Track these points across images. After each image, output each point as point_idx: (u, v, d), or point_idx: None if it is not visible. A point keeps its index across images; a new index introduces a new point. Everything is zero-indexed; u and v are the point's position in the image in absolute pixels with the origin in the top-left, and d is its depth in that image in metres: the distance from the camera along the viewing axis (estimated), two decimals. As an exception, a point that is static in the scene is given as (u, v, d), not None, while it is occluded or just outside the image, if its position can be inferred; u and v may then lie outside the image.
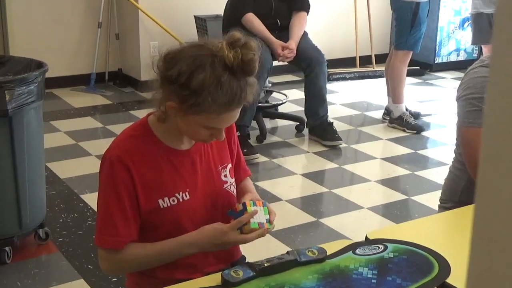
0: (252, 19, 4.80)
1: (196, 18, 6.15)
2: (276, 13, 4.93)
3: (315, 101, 4.96)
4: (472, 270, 0.51)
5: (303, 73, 4.98)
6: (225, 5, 5.12)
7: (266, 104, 5.33)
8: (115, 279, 3.06)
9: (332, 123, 5.04)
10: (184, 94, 1.68)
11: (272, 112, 5.46)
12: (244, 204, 1.81)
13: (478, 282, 0.51)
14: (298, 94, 6.36)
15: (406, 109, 5.45)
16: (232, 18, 4.85)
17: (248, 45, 1.71)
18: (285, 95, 5.72)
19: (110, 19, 6.38)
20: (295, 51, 4.82)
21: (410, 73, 6.16)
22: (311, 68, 4.87)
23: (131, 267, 1.87)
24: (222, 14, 5.22)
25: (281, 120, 5.54)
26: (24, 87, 2.96)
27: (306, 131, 5.17)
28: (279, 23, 4.92)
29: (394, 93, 5.40)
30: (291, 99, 6.18)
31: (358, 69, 7.05)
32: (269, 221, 1.82)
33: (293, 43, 4.84)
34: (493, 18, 0.53)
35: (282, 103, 5.56)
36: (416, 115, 5.54)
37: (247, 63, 1.69)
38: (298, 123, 5.26)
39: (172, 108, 1.72)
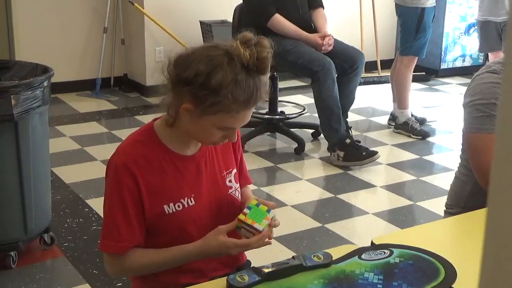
0: (280, 20, 4.61)
1: (201, 23, 6.16)
2: (303, 12, 4.81)
3: (349, 99, 4.85)
4: (484, 275, 0.51)
5: (344, 73, 4.75)
6: (235, 14, 5.03)
7: (285, 116, 5.29)
8: (120, 283, 3.06)
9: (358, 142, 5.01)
10: (202, 94, 1.68)
11: (291, 122, 5.32)
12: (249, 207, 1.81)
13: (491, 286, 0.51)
14: (303, 99, 6.37)
15: (412, 115, 5.44)
16: (250, 25, 4.68)
17: (261, 43, 1.73)
18: (302, 106, 5.67)
19: (116, 25, 6.40)
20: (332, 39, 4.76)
21: (415, 79, 6.16)
22: (355, 66, 4.73)
23: (135, 271, 1.87)
24: (231, 21, 5.16)
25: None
26: (30, 92, 2.97)
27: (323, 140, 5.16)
28: (313, 26, 4.80)
29: (400, 99, 5.40)
30: (297, 105, 6.18)
31: (363, 74, 7.03)
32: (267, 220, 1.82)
33: (327, 32, 4.77)
34: (506, 26, 0.53)
35: (301, 113, 5.45)
36: (422, 121, 5.53)
37: (262, 61, 1.71)
38: (314, 130, 5.23)
39: (186, 111, 1.72)
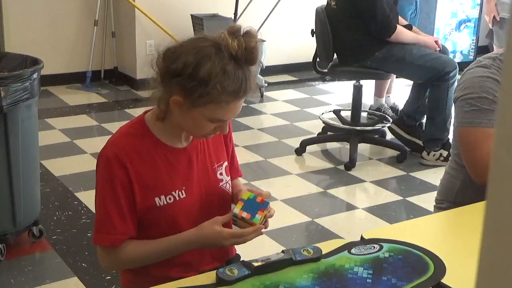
0: (402, 29, 4.54)
1: (192, 17, 6.14)
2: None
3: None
4: (482, 266, 0.50)
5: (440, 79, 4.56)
6: (319, 18, 4.70)
7: (364, 128, 4.96)
8: (109, 277, 3.05)
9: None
10: (191, 86, 1.68)
11: (372, 137, 5.07)
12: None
13: (489, 281, 0.50)
14: (294, 94, 6.37)
15: (394, 105, 5.61)
16: (366, 37, 4.50)
17: (249, 33, 1.73)
18: (389, 118, 5.16)
19: (107, 17, 6.37)
20: None
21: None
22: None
23: (130, 263, 1.86)
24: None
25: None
26: (19, 84, 2.95)
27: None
28: (412, 28, 4.77)
29: (378, 87, 5.52)
30: (286, 99, 6.18)
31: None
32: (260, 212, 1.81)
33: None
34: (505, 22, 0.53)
35: (384, 126, 5.07)
36: (396, 111, 5.56)
37: (250, 51, 1.71)
38: (399, 153, 4.81)
39: (176, 103, 1.71)
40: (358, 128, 4.84)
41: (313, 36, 4.78)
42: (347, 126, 4.89)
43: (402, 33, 4.53)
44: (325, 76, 5.12)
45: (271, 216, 1.86)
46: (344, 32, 4.53)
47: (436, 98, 4.58)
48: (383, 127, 5.02)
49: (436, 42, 4.69)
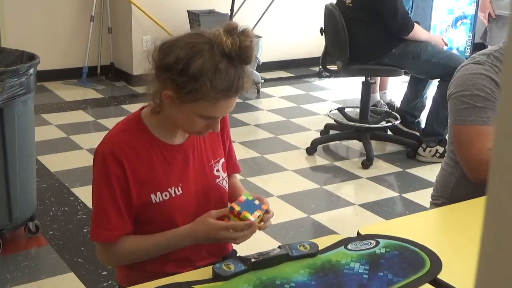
0: (418, 28, 4.58)
1: (189, 13, 6.14)
2: None
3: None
4: (482, 261, 0.51)
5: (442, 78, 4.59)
6: (329, 18, 4.69)
7: (376, 126, 4.92)
8: (105, 272, 3.05)
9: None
10: (181, 81, 1.67)
11: (383, 134, 5.05)
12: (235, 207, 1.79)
13: (488, 278, 0.51)
14: (290, 90, 6.37)
15: (391, 102, 5.58)
16: (391, 38, 4.53)
17: (245, 32, 1.72)
18: (396, 117, 5.07)
19: (103, 13, 6.36)
20: None
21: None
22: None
23: (128, 259, 1.86)
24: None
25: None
26: (16, 79, 2.95)
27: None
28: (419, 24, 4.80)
29: None
30: (283, 96, 6.19)
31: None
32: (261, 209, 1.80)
33: None
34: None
35: (394, 123, 5.03)
36: (392, 107, 5.57)
37: (244, 50, 1.70)
38: (409, 149, 4.80)
39: (168, 98, 1.71)
40: (371, 125, 4.83)
41: (322, 34, 4.75)
42: (358, 124, 4.86)
43: (417, 32, 4.57)
44: (337, 74, 5.07)
45: (265, 227, 1.84)
46: (360, 30, 4.52)
47: (444, 93, 4.56)
48: (393, 124, 4.99)
49: (442, 39, 4.75)
